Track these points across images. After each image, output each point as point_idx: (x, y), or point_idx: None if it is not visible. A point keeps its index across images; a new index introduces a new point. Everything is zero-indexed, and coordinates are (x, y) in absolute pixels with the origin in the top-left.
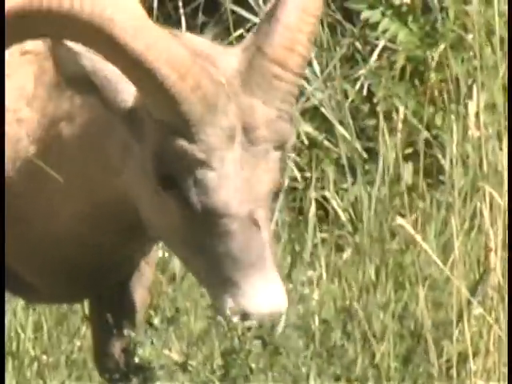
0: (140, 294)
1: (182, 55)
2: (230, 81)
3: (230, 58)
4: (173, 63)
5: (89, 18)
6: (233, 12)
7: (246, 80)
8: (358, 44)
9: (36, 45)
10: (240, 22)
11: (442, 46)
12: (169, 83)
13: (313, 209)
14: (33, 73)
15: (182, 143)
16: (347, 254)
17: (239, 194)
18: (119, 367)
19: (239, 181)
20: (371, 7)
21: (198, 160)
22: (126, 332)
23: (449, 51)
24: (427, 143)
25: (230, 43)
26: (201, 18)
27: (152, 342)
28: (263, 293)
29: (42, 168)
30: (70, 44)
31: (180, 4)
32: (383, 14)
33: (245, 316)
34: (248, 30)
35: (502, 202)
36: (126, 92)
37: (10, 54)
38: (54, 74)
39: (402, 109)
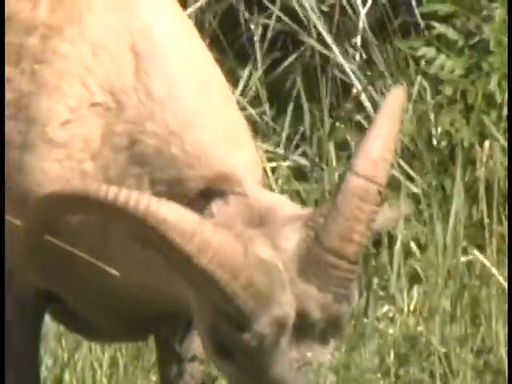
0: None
1: (234, 255)
2: (287, 265)
3: (291, 236)
4: (225, 264)
5: (143, 216)
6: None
7: (302, 267)
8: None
9: (106, 97)
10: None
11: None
12: (221, 284)
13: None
14: (100, 127)
15: (235, 331)
16: (421, 288)
17: (293, 369)
18: None
19: (293, 357)
20: (427, 44)
21: (251, 346)
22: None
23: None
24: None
25: None
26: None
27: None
28: None
29: (94, 229)
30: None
31: (255, 38)
32: (439, 50)
33: None
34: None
35: None
36: None
37: (79, 101)
38: (122, 139)
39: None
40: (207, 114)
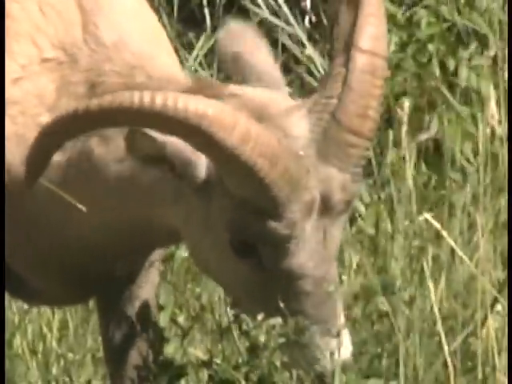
0: (148, 291)
1: (272, 144)
2: (307, 152)
3: (299, 123)
4: (265, 153)
5: (184, 115)
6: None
7: (321, 150)
8: None
9: (57, 53)
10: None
11: None
12: (262, 173)
13: None
14: (53, 81)
15: (268, 222)
16: (369, 250)
17: (315, 256)
18: (145, 365)
19: (315, 244)
20: None
21: (281, 234)
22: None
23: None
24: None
25: None
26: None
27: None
28: (335, 349)
29: (61, 175)
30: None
31: (204, 2)
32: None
33: (317, 367)
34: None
35: None
36: (199, 165)
37: (29, 59)
38: (79, 87)
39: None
40: (160, 50)
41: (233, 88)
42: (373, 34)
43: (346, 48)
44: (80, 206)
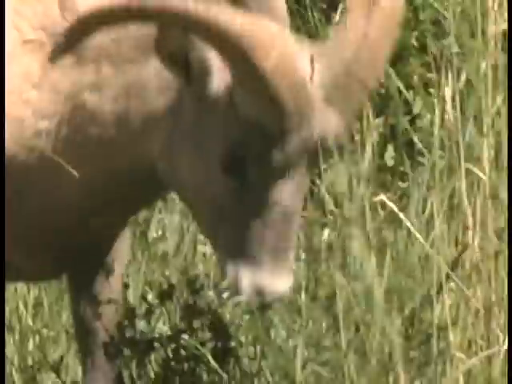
0: (119, 271)
1: (297, 72)
2: (313, 92)
3: (307, 63)
4: (290, 82)
5: (223, 22)
6: None
7: (329, 95)
8: None
9: (38, 34)
10: None
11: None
12: (281, 102)
13: None
14: (37, 60)
15: (268, 145)
16: (328, 232)
17: (292, 191)
18: (112, 341)
19: (296, 181)
20: None
21: (276, 161)
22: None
23: (429, 36)
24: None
25: None
26: None
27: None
28: (281, 277)
29: (51, 142)
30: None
31: None
32: None
33: (260, 292)
34: None
35: (484, 177)
36: (214, 75)
37: (12, 44)
38: (67, 59)
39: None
40: None
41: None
42: None
43: (364, 3)
44: (72, 171)
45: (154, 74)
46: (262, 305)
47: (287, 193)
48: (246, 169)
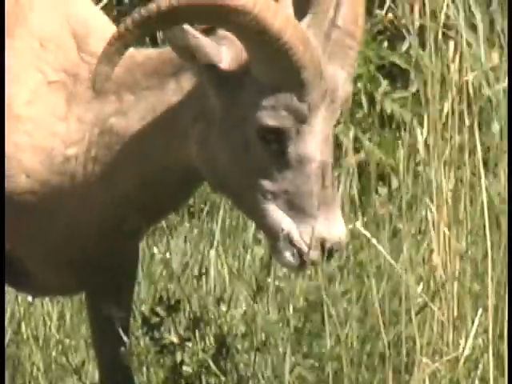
0: (132, 288)
1: (304, 33)
2: (320, 54)
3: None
4: (301, 39)
5: (242, 3)
6: None
7: (325, 50)
8: None
9: (60, 76)
10: None
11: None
12: (296, 56)
13: None
14: (63, 98)
15: (295, 102)
16: None
17: (323, 145)
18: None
19: (324, 135)
20: None
21: (303, 115)
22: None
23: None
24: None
25: None
26: None
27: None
28: (336, 224)
29: (81, 165)
30: (184, 26)
31: None
32: None
33: (322, 243)
34: None
35: (438, 212)
36: (223, 57)
37: (36, 83)
38: (86, 93)
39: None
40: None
41: None
42: None
43: None
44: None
45: (172, 95)
46: (328, 253)
47: (321, 146)
48: (281, 134)
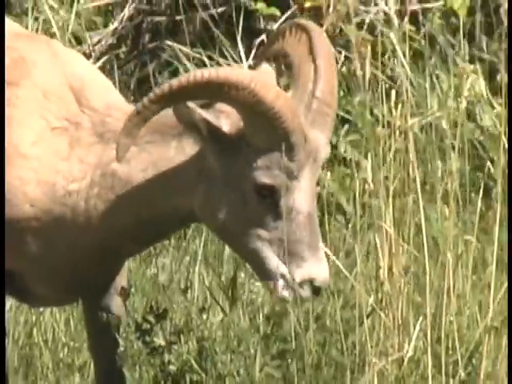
0: (124, 285)
1: (293, 103)
2: (304, 121)
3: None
4: (289, 109)
5: (237, 80)
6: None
7: (311, 120)
8: None
9: (62, 123)
10: None
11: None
12: (286, 123)
13: None
14: (66, 141)
15: (286, 162)
16: None
17: (309, 198)
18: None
19: (310, 189)
20: None
21: (293, 174)
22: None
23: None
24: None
25: None
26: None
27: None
28: (322, 265)
29: (82, 199)
30: (188, 103)
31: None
32: None
33: (312, 282)
34: None
35: (384, 234)
36: (223, 126)
37: (41, 128)
38: (89, 138)
39: None
40: (122, 100)
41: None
42: (327, 51)
43: (311, 58)
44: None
45: (174, 153)
46: (317, 291)
47: (307, 200)
48: (274, 190)
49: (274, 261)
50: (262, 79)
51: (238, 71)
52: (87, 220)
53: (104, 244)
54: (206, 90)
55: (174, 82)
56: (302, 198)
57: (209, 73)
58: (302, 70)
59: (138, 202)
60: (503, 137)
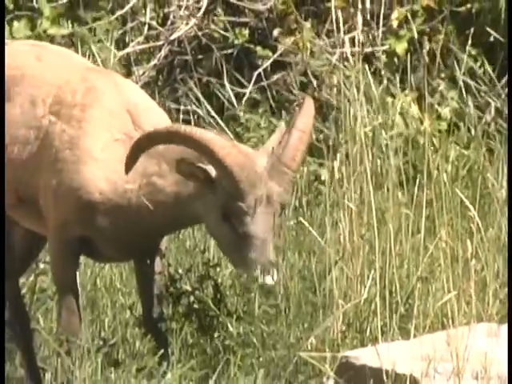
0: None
1: (241, 160)
2: (263, 171)
3: (261, 158)
4: (238, 164)
5: (199, 138)
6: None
7: (270, 173)
8: None
9: (122, 136)
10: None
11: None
12: (236, 175)
13: None
14: (124, 150)
15: (238, 202)
16: None
17: (262, 227)
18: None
19: (261, 220)
20: None
21: (244, 211)
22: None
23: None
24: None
25: None
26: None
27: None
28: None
29: (135, 195)
30: (188, 161)
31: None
32: None
33: (266, 271)
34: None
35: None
36: (210, 174)
37: (106, 139)
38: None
39: None
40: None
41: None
42: (300, 129)
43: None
44: (150, 206)
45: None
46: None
47: (260, 226)
48: (232, 218)
49: (250, 260)
50: (220, 140)
51: (208, 134)
52: (138, 210)
53: (149, 227)
54: (188, 142)
55: (167, 128)
56: (255, 226)
57: (190, 130)
58: (287, 133)
59: (171, 208)
60: (426, 146)
